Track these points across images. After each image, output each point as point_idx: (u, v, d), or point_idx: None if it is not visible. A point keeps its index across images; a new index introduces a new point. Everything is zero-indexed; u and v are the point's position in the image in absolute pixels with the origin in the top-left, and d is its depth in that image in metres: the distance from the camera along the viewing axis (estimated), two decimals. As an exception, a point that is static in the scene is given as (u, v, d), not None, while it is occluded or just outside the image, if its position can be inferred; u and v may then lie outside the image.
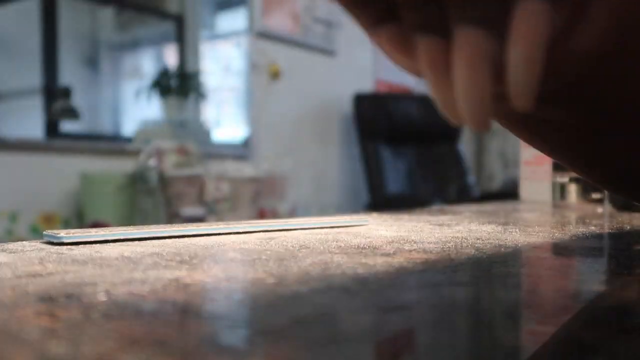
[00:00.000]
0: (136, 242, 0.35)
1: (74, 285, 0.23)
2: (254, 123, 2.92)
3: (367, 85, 3.43)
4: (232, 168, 2.39)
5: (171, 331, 0.17)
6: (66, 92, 2.43)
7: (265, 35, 2.92)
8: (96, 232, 0.36)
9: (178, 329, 0.17)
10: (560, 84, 0.27)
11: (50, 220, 2.22)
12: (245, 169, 2.43)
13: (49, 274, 0.25)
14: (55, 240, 0.35)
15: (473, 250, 0.31)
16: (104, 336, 0.17)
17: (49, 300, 0.20)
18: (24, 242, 0.36)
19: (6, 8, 2.83)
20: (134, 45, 3.47)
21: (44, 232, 0.36)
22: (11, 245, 0.34)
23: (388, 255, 0.30)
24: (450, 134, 3.24)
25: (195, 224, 0.40)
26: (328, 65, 3.25)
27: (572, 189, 0.72)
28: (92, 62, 3.40)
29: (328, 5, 3.22)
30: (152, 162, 2.21)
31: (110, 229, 0.37)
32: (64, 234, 0.34)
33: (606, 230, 0.45)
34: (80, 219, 2.27)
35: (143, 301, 0.20)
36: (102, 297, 0.21)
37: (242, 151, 2.86)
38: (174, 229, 0.38)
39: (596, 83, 0.28)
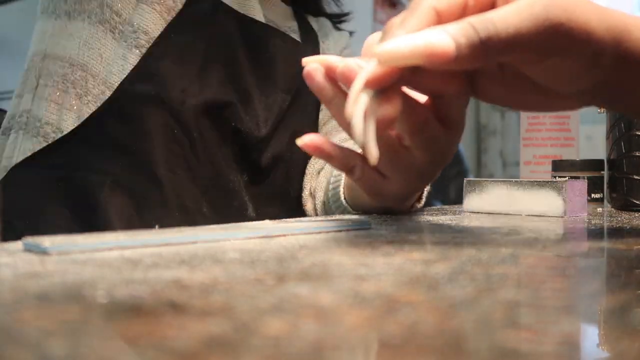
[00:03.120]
0: (136, 242, 0.35)
1: (74, 285, 0.23)
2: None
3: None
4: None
5: (171, 331, 0.17)
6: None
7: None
8: (84, 240, 0.32)
9: (178, 329, 0.17)
10: None
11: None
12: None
13: (49, 274, 0.25)
14: (37, 251, 0.31)
15: (473, 250, 0.31)
16: (104, 336, 0.17)
17: (49, 300, 0.20)
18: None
19: (6, 8, 2.83)
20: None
21: (23, 240, 0.32)
22: (11, 245, 0.34)
23: (388, 255, 0.30)
24: (450, 134, 3.22)
25: (192, 228, 0.38)
26: (328, 65, 3.24)
27: (572, 189, 0.72)
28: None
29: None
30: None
31: (100, 235, 0.33)
32: (47, 243, 0.30)
33: (606, 230, 0.45)
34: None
35: (143, 301, 0.20)
36: (102, 297, 0.21)
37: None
38: (169, 235, 0.35)
39: None
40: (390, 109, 0.34)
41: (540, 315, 0.19)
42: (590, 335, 0.18)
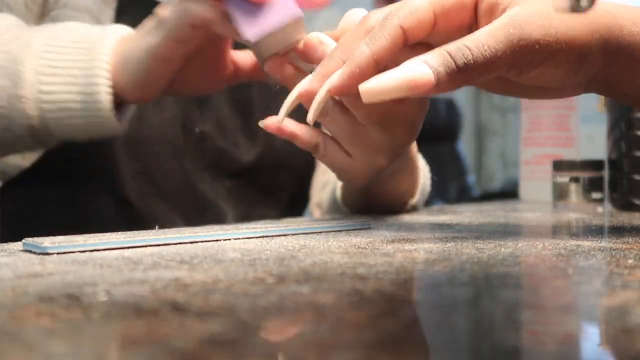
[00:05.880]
0: (136, 242, 0.35)
1: (74, 285, 0.23)
2: (254, 123, 2.90)
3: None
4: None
5: (171, 331, 0.17)
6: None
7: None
8: (84, 240, 0.32)
9: (178, 329, 0.17)
10: None
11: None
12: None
13: (49, 274, 0.25)
14: (37, 251, 0.31)
15: (473, 250, 0.31)
16: (104, 336, 0.17)
17: (49, 300, 0.20)
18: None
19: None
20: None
21: (23, 241, 0.33)
22: (11, 245, 0.34)
23: (388, 255, 0.30)
24: (450, 134, 3.23)
25: (191, 229, 0.38)
26: (328, 65, 3.23)
27: (572, 189, 0.72)
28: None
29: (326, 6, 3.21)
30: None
31: (100, 236, 0.33)
32: (48, 243, 0.31)
33: (606, 230, 0.45)
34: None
35: (143, 301, 0.20)
36: (102, 297, 0.21)
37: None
38: (169, 235, 0.35)
39: None
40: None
41: (540, 315, 0.19)
42: (590, 335, 0.18)
